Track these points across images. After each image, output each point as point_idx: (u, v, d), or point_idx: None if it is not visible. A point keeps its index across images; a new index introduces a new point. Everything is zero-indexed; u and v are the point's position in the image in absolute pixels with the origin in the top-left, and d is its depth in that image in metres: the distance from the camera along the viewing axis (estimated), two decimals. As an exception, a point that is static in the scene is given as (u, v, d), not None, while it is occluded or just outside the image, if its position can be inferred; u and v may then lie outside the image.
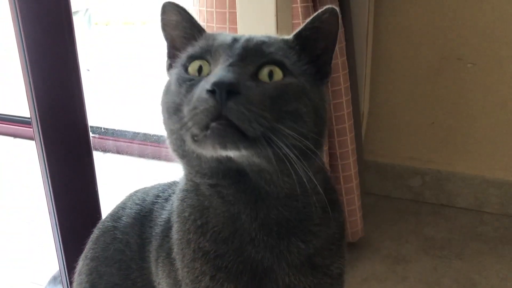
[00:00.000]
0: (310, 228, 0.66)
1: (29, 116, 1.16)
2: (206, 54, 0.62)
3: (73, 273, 0.91)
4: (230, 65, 0.58)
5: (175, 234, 0.70)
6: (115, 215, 0.85)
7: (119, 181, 2.02)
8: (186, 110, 0.57)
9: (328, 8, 0.64)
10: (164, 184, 0.85)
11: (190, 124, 0.56)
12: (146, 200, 0.82)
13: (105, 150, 2.28)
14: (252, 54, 0.60)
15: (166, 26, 0.69)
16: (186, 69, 0.63)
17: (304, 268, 0.66)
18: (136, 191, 0.88)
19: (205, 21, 1.16)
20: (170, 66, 0.70)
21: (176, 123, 0.59)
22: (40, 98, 1.13)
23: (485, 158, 1.76)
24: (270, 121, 0.55)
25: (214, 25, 1.15)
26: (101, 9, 3.59)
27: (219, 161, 0.59)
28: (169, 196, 0.79)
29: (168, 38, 0.70)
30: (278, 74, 0.61)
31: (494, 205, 1.78)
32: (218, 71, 0.57)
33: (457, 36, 1.67)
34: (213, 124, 0.54)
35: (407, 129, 1.84)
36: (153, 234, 0.76)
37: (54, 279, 1.35)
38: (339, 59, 1.31)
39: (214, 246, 0.65)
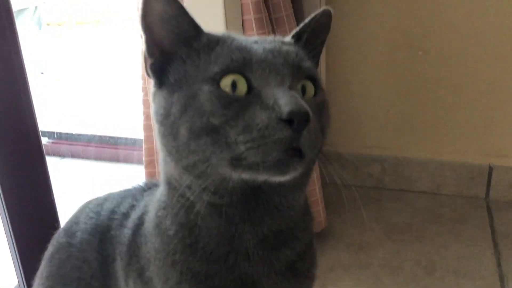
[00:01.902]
0: (296, 234, 0.66)
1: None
2: (245, 69, 0.56)
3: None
4: (290, 88, 0.55)
5: (152, 254, 0.67)
6: (69, 231, 0.81)
7: (78, 187, 1.96)
8: (236, 134, 0.52)
9: (325, 10, 0.65)
10: (117, 196, 0.81)
11: (250, 152, 0.52)
12: (101, 215, 0.79)
13: (60, 155, 2.21)
14: (296, 72, 0.58)
15: (150, 18, 0.58)
16: (217, 84, 0.55)
17: (288, 275, 0.66)
18: (88, 203, 0.84)
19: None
20: (156, 68, 0.61)
21: (209, 145, 0.54)
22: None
23: (440, 142, 1.82)
24: (322, 143, 0.58)
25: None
26: (53, 8, 3.48)
27: (246, 181, 0.56)
28: (127, 212, 0.76)
29: (151, 33, 0.59)
30: (311, 89, 0.60)
31: (450, 186, 1.84)
32: (284, 97, 0.52)
33: (408, 24, 1.71)
34: (280, 154, 0.52)
35: (364, 119, 1.87)
36: (117, 252, 0.73)
37: (13, 293, 1.30)
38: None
39: (205, 266, 0.63)
